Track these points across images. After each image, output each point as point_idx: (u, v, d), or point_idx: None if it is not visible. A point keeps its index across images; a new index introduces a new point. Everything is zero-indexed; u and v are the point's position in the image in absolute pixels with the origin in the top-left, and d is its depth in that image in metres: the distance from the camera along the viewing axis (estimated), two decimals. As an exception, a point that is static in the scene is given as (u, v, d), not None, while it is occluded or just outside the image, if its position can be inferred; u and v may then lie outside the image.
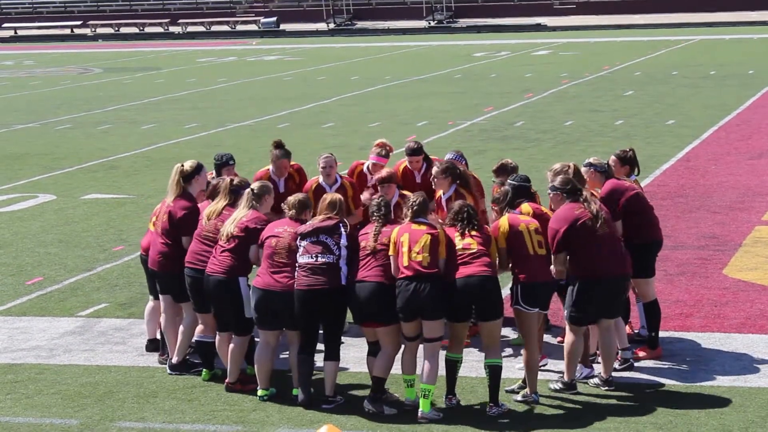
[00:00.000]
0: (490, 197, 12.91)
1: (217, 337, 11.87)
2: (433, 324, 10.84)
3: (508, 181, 11.99)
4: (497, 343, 11.04)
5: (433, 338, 10.87)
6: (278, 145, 13.66)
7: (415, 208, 11.05)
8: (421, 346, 10.98)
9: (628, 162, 12.63)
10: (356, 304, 11.04)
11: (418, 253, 10.79)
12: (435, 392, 10.88)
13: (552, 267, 11.34)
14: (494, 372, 10.90)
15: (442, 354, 11.07)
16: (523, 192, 11.75)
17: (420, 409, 10.78)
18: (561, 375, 11.49)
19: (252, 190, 11.77)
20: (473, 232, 10.97)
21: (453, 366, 11.07)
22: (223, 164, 13.25)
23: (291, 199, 11.62)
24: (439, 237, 10.92)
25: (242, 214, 11.63)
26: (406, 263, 10.81)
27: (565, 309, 11.47)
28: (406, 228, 10.98)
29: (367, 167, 13.72)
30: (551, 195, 11.56)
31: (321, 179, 13.32)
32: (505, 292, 12.49)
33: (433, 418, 10.75)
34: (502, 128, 29.06)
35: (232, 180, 12.11)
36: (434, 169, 12.64)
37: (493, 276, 10.88)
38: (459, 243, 10.93)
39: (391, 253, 10.94)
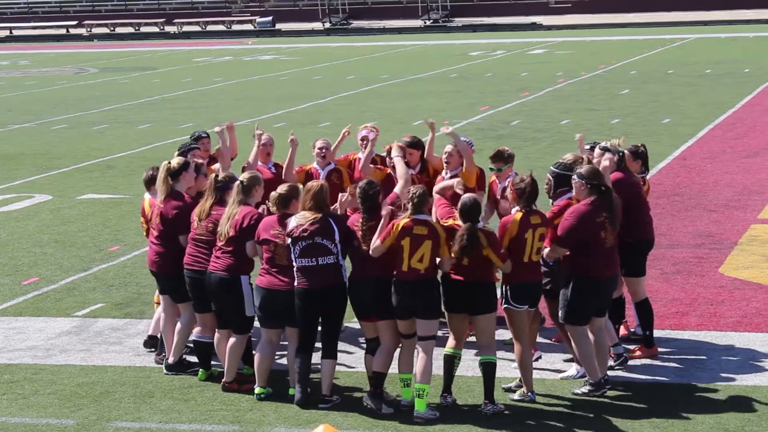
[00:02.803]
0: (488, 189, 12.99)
1: (216, 335, 11.86)
2: (427, 323, 10.83)
3: (550, 167, 11.64)
4: (491, 340, 11.01)
5: (427, 336, 10.86)
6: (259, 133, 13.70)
7: (415, 201, 10.82)
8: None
9: (640, 157, 12.59)
10: (356, 300, 11.04)
11: (419, 261, 10.74)
12: (431, 391, 10.88)
13: (545, 252, 11.18)
14: (488, 369, 10.89)
15: (437, 353, 11.08)
16: (565, 181, 11.42)
17: (415, 409, 10.77)
18: (574, 375, 11.56)
19: (241, 182, 11.70)
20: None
21: (450, 361, 11.05)
22: (197, 138, 13.53)
23: (273, 195, 11.46)
24: (440, 240, 10.83)
25: (235, 210, 11.56)
26: (405, 268, 10.76)
27: (560, 311, 11.39)
28: (408, 230, 10.80)
29: (361, 155, 13.70)
30: (576, 182, 11.22)
31: (315, 163, 13.40)
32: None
33: (429, 417, 10.74)
34: (498, 127, 29.07)
35: (216, 176, 12.03)
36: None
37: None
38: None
39: (387, 244, 10.75)
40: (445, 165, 12.90)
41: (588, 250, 11.12)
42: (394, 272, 10.83)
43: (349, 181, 13.29)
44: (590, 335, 11.37)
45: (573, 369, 11.69)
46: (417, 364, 10.85)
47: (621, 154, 12.07)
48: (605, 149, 11.90)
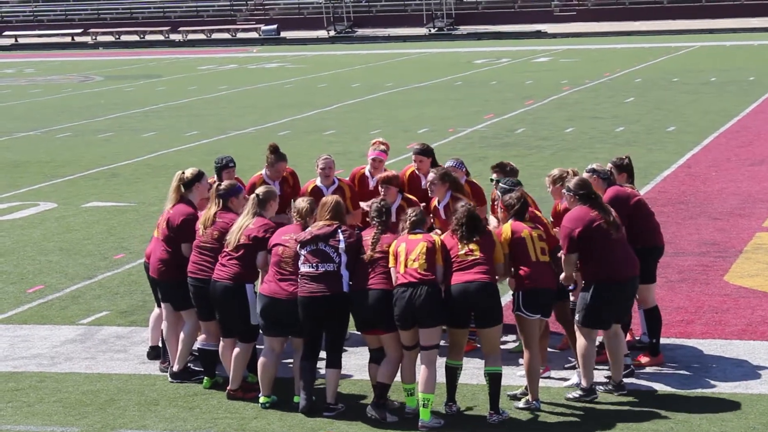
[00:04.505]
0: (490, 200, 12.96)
1: (221, 344, 11.87)
2: (430, 331, 10.83)
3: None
4: (497, 351, 11.02)
5: (430, 346, 10.86)
6: (275, 149, 13.69)
7: (413, 219, 11.09)
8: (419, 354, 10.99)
9: (625, 169, 12.61)
10: (359, 312, 11.04)
11: (414, 260, 10.80)
12: (435, 400, 10.88)
13: (561, 276, 11.29)
14: (494, 379, 10.88)
15: (441, 361, 11.07)
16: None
17: (420, 418, 10.77)
18: (577, 383, 11.47)
19: (257, 195, 11.75)
20: (477, 238, 10.94)
21: (453, 373, 11.06)
22: (224, 167, 13.27)
23: (301, 205, 11.56)
24: (436, 245, 10.91)
25: (247, 221, 11.60)
26: (402, 271, 10.82)
27: (576, 313, 11.41)
28: (403, 239, 11.00)
29: (368, 171, 13.70)
30: (566, 194, 11.54)
31: (318, 181, 13.36)
32: (507, 298, 12.51)
33: (433, 426, 10.74)
34: (502, 135, 29.08)
35: (219, 185, 12.08)
36: (430, 176, 12.44)
37: (491, 282, 10.84)
38: (462, 248, 10.91)
39: (390, 265, 10.94)
40: (430, 193, 12.56)
41: (601, 251, 11.13)
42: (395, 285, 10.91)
43: (353, 197, 13.27)
44: (606, 341, 11.40)
45: (575, 376, 11.67)
46: (421, 374, 10.85)
47: (609, 173, 12.19)
48: (593, 170, 12.13)
